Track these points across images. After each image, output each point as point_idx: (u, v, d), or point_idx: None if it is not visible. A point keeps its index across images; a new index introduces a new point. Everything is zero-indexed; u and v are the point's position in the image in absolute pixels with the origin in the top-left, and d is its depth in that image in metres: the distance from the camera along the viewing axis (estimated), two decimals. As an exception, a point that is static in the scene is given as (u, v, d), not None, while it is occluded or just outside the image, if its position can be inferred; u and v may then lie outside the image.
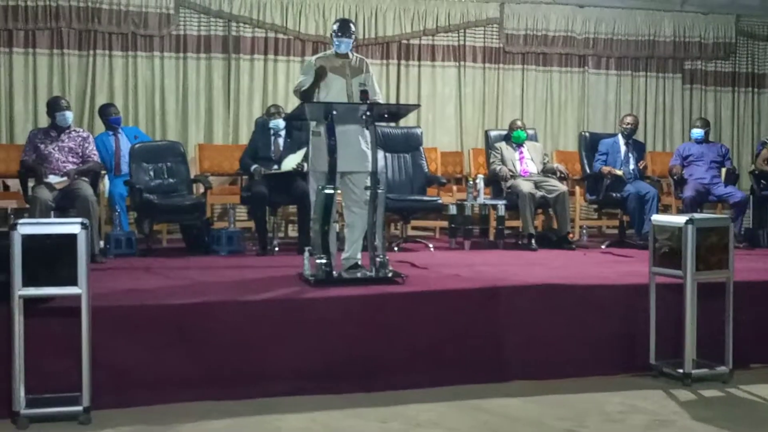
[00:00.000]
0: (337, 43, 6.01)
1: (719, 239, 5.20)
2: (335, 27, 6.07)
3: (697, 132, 8.90)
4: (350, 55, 6.07)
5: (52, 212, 6.62)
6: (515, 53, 10.70)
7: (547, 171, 8.55)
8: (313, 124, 5.89)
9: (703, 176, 8.58)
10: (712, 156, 8.75)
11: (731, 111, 11.44)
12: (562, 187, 8.23)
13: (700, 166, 8.66)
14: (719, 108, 11.38)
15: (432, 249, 8.05)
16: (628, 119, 8.90)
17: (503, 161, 8.50)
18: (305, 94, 5.91)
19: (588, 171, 8.82)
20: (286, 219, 9.16)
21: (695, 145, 8.95)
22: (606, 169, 8.48)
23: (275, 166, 7.74)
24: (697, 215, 5.35)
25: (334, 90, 5.90)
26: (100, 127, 8.77)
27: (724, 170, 8.73)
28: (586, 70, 10.94)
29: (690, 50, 11.20)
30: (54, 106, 7.20)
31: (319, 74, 5.85)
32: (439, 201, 8.39)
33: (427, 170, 8.69)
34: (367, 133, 5.76)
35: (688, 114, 11.25)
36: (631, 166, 8.55)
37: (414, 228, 9.33)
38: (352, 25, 6.11)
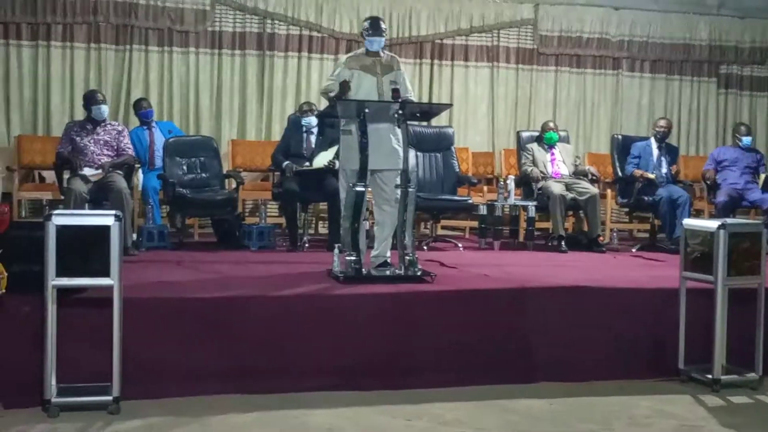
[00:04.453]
0: (369, 41, 6.03)
1: (751, 245, 5.15)
2: (366, 25, 6.11)
3: (747, 139, 8.79)
4: (381, 53, 6.09)
5: (86, 204, 6.70)
6: (549, 55, 10.68)
7: (578, 173, 8.53)
8: (343, 122, 5.91)
9: (736, 181, 8.50)
10: (747, 161, 8.66)
11: (766, 116, 11.32)
12: (594, 190, 8.21)
13: (734, 171, 8.58)
14: (754, 113, 11.28)
15: (461, 249, 8.06)
16: (662, 123, 8.84)
17: (534, 162, 8.48)
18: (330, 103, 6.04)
19: (620, 174, 8.78)
20: (317, 216, 9.20)
21: (730, 149, 8.87)
22: (638, 172, 8.43)
23: (307, 163, 7.78)
24: (729, 220, 5.32)
25: (364, 88, 5.92)
26: (135, 121, 8.86)
27: (762, 176, 8.64)
28: (620, 72, 10.88)
29: (726, 54, 11.11)
30: (90, 99, 7.29)
31: (343, 89, 5.85)
32: (470, 201, 8.38)
33: (458, 170, 8.69)
34: (398, 131, 5.78)
35: (722, 119, 11.18)
36: (664, 170, 8.50)
37: (444, 227, 9.35)
38: (383, 23, 6.13)
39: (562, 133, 8.96)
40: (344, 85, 5.83)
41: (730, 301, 5.11)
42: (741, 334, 5.18)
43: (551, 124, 8.76)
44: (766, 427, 4.50)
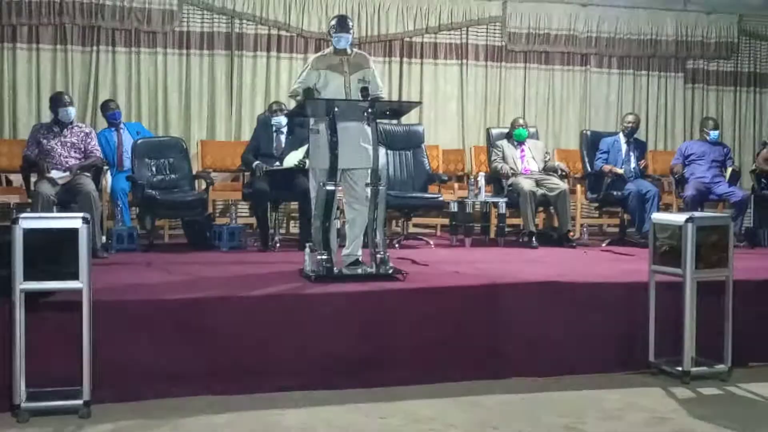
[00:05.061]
0: (336, 38, 6.02)
1: (719, 238, 5.21)
2: (333, 23, 6.10)
3: (715, 133, 8.86)
4: (349, 51, 6.07)
5: (54, 207, 6.64)
6: (518, 51, 10.72)
7: (548, 169, 8.57)
8: (312, 121, 5.90)
9: (704, 175, 8.57)
10: (714, 155, 8.74)
11: (733, 110, 11.45)
12: (563, 186, 8.26)
13: (701, 165, 8.65)
14: (721, 107, 11.39)
15: (433, 246, 8.08)
16: (630, 118, 8.92)
17: (504, 159, 8.51)
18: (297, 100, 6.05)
19: (589, 169, 8.83)
20: (288, 215, 9.18)
21: (697, 143, 8.96)
22: (607, 167, 8.49)
23: (277, 163, 7.76)
24: (697, 214, 5.36)
25: (331, 87, 5.91)
26: (102, 122, 8.79)
27: (729, 170, 8.72)
28: (588, 68, 10.95)
29: (692, 49, 11.20)
30: (57, 101, 7.21)
31: (307, 96, 5.85)
32: (441, 198, 8.39)
33: (428, 167, 8.70)
34: (368, 130, 5.76)
35: (689, 113, 11.27)
36: (632, 165, 8.56)
37: (415, 225, 9.35)
38: (349, 21, 6.14)
39: (532, 130, 8.99)
40: (309, 93, 5.83)
41: (698, 294, 5.18)
42: (710, 326, 5.23)
43: (521, 121, 8.79)
44: (735, 418, 4.54)
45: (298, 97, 5.95)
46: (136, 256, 7.02)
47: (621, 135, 8.78)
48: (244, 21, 9.80)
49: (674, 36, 11.08)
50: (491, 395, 4.82)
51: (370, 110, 5.62)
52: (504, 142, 8.65)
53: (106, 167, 7.88)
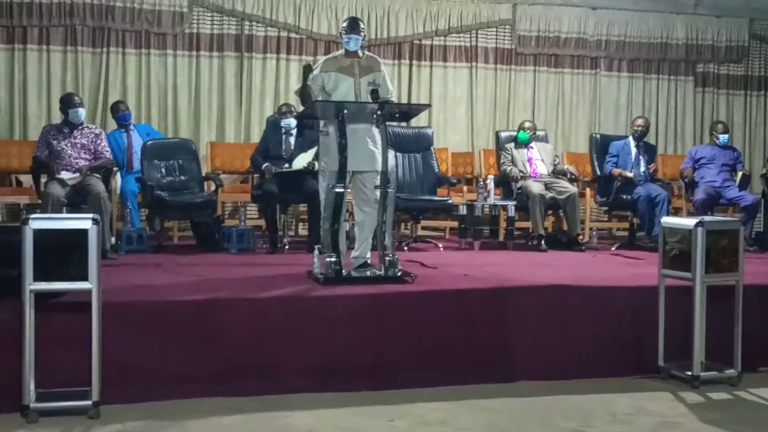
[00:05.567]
0: (345, 40, 6.02)
1: (729, 242, 5.19)
2: (344, 25, 6.11)
3: (724, 137, 8.84)
4: (360, 53, 6.07)
5: (64, 208, 6.65)
6: (527, 54, 10.70)
7: (557, 172, 8.56)
8: (321, 123, 5.90)
9: (714, 179, 8.55)
10: (724, 159, 8.71)
11: (743, 114, 11.41)
12: (573, 189, 8.24)
13: (711, 169, 8.63)
14: (731, 111, 11.36)
15: (441, 249, 8.06)
16: (639, 121, 8.89)
17: (514, 162, 8.50)
18: (301, 95, 6.02)
19: (599, 173, 8.81)
20: (297, 217, 9.18)
21: (707, 147, 8.93)
22: (617, 171, 8.47)
23: (286, 165, 7.76)
24: (707, 218, 5.35)
25: (341, 90, 5.90)
26: (112, 124, 8.81)
27: (739, 174, 8.70)
28: (598, 72, 10.93)
29: (702, 53, 11.17)
30: (67, 102, 7.24)
31: (305, 72, 5.88)
32: (450, 201, 8.39)
33: (437, 170, 8.69)
34: (376, 132, 5.77)
35: (699, 117, 11.24)
36: (642, 169, 8.54)
37: (424, 228, 9.35)
38: (360, 23, 6.14)
39: (541, 133, 8.99)
40: (306, 69, 5.85)
41: (708, 298, 5.16)
42: (720, 330, 5.22)
43: (527, 124, 8.77)
44: (745, 423, 4.53)
45: (299, 91, 5.96)
46: (145, 257, 7.03)
47: (631, 138, 8.75)
48: (254, 23, 9.81)
49: (684, 39, 11.06)
50: (500, 398, 4.82)
51: (379, 113, 5.62)
52: (513, 145, 8.65)
53: (115, 168, 7.90)
